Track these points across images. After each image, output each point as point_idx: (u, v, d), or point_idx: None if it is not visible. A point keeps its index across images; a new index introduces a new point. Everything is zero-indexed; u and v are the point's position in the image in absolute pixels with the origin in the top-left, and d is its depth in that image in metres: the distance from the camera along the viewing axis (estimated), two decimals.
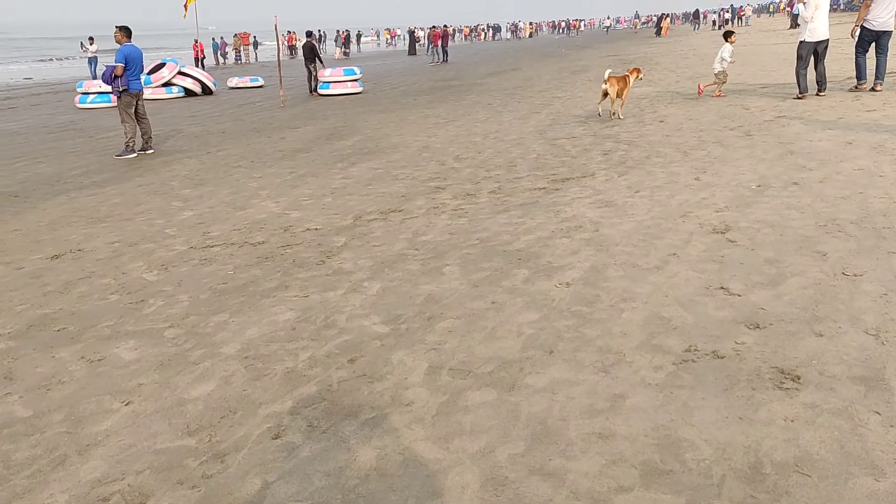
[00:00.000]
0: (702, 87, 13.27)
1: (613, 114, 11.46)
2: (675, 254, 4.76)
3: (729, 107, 11.57)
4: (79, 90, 19.01)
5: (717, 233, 5.14)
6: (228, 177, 8.64)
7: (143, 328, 4.06)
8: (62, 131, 13.74)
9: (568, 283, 4.35)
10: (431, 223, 6.05)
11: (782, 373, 3.07)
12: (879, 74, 11.61)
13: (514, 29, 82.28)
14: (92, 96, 17.60)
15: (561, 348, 3.47)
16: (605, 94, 11.23)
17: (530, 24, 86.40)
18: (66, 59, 42.55)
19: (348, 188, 7.64)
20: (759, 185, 6.39)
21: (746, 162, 7.40)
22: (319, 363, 3.49)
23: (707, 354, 3.29)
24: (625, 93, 11.34)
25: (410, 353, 3.53)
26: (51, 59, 50.30)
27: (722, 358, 3.24)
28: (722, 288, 4.11)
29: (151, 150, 10.72)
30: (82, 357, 3.72)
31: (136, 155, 10.40)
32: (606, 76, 11.15)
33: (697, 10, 61.43)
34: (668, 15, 58.47)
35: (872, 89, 11.66)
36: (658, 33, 50.43)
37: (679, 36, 47.49)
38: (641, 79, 13.00)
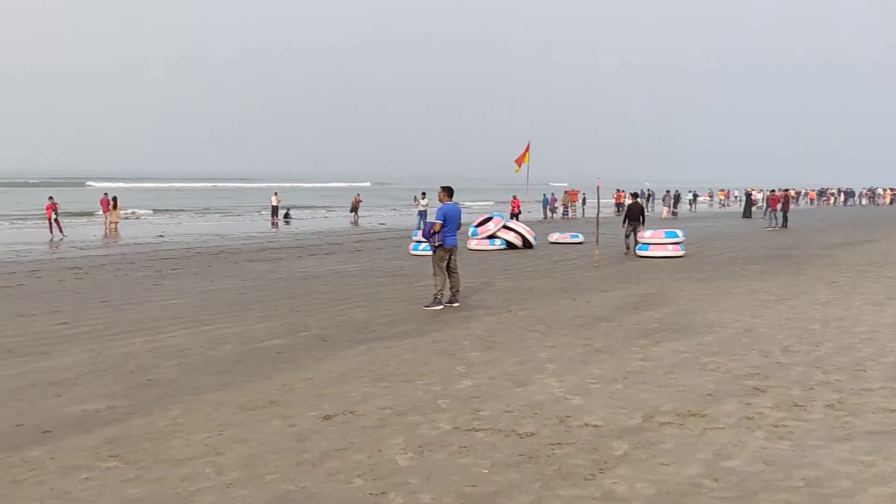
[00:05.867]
0: None
1: None
2: None
3: None
4: (413, 238, 20.92)
5: None
6: (521, 342, 8.24)
7: None
8: (389, 276, 14.91)
9: None
10: (741, 441, 4.84)
11: None
12: None
13: (871, 194, 74.05)
14: (423, 244, 19.15)
15: None
16: None
17: (891, 189, 77.13)
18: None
19: (645, 374, 6.69)
20: None
21: None
22: None
23: None
24: None
25: None
26: (405, 207, 57.21)
27: None
28: None
29: (457, 304, 10.92)
30: None
31: (442, 307, 10.64)
32: None
33: None
34: None
35: None
36: None
37: None
38: None
